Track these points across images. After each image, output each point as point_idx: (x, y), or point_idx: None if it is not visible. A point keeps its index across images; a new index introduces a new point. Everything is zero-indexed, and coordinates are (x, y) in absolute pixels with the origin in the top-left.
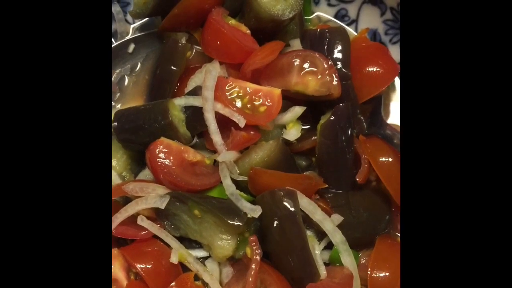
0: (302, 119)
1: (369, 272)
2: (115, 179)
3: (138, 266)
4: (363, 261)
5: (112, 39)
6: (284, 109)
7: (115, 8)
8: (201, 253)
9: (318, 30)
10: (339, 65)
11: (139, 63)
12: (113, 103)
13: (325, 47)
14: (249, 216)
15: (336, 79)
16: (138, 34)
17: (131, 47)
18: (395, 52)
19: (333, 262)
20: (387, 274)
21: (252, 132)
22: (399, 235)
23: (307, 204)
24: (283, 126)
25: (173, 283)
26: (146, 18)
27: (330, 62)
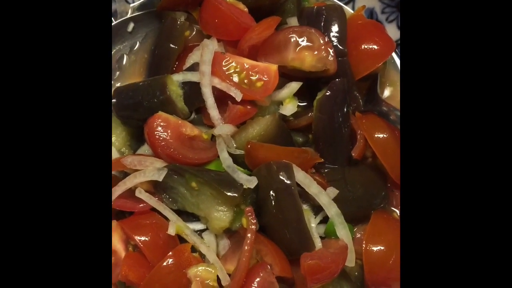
0: (299, 96)
1: (364, 246)
2: (114, 155)
3: (137, 238)
4: (358, 235)
5: (112, 18)
6: (281, 85)
7: None
8: (198, 225)
9: (315, 7)
10: (336, 42)
11: (138, 42)
12: (113, 82)
13: (322, 24)
14: (245, 187)
15: (332, 55)
16: (137, 13)
17: (131, 26)
18: (391, 30)
19: (329, 235)
20: (382, 248)
21: (248, 107)
22: (395, 210)
23: (302, 178)
24: (280, 102)
25: (170, 253)
26: None
27: (326, 38)
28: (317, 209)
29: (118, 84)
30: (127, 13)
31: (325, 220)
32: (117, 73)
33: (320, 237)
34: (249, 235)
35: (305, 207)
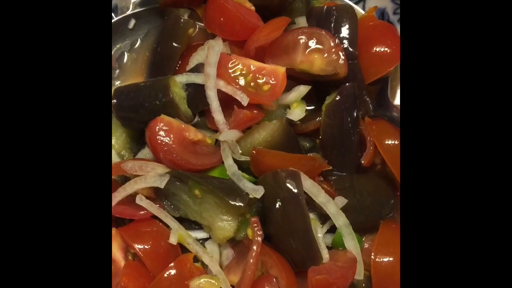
0: (306, 99)
1: (372, 257)
2: (114, 158)
3: (136, 246)
4: (366, 245)
5: (112, 14)
6: (289, 89)
7: None
8: (201, 234)
9: (325, 7)
10: (346, 44)
11: (139, 39)
12: (112, 80)
13: (332, 25)
14: (251, 196)
15: (343, 58)
16: (139, 10)
17: (132, 22)
18: None
19: (336, 246)
20: (391, 259)
21: (255, 111)
22: None
23: (310, 186)
24: (287, 106)
25: (172, 264)
26: None
27: (336, 40)
28: (324, 217)
29: (118, 83)
30: (128, 8)
31: (332, 229)
32: (117, 71)
33: (327, 247)
34: (254, 247)
35: (311, 216)
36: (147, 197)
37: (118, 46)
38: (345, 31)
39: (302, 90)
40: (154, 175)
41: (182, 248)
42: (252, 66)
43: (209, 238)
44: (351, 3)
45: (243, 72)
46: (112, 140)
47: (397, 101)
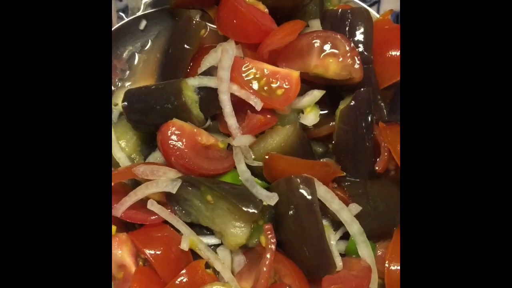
0: (319, 104)
1: (386, 265)
2: (124, 161)
3: (147, 251)
4: (379, 252)
5: (123, 15)
6: (302, 92)
7: None
8: (212, 240)
9: (340, 10)
10: (361, 48)
11: (150, 40)
12: (122, 82)
13: (347, 29)
14: (264, 203)
15: (358, 63)
16: (150, 10)
17: (143, 23)
18: None
19: (349, 254)
20: None
21: (268, 116)
22: None
23: (324, 193)
24: (300, 111)
25: (183, 271)
26: None
27: (352, 44)
28: (336, 224)
29: (128, 84)
30: (139, 9)
31: (345, 236)
32: (127, 72)
33: (340, 254)
34: (268, 255)
35: (324, 222)
36: (158, 201)
37: (130, 48)
38: (360, 35)
39: (316, 94)
40: (165, 180)
41: (193, 254)
42: (265, 70)
43: (221, 244)
44: (365, 6)
45: (257, 76)
46: (122, 143)
47: None
